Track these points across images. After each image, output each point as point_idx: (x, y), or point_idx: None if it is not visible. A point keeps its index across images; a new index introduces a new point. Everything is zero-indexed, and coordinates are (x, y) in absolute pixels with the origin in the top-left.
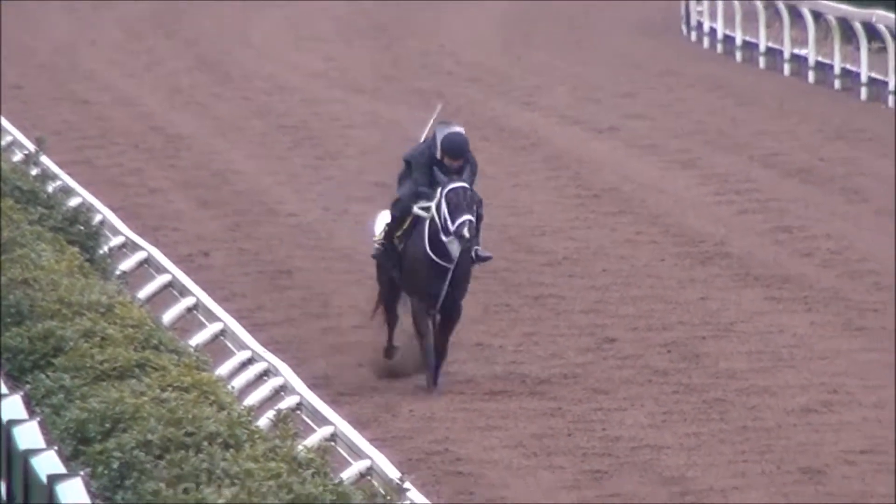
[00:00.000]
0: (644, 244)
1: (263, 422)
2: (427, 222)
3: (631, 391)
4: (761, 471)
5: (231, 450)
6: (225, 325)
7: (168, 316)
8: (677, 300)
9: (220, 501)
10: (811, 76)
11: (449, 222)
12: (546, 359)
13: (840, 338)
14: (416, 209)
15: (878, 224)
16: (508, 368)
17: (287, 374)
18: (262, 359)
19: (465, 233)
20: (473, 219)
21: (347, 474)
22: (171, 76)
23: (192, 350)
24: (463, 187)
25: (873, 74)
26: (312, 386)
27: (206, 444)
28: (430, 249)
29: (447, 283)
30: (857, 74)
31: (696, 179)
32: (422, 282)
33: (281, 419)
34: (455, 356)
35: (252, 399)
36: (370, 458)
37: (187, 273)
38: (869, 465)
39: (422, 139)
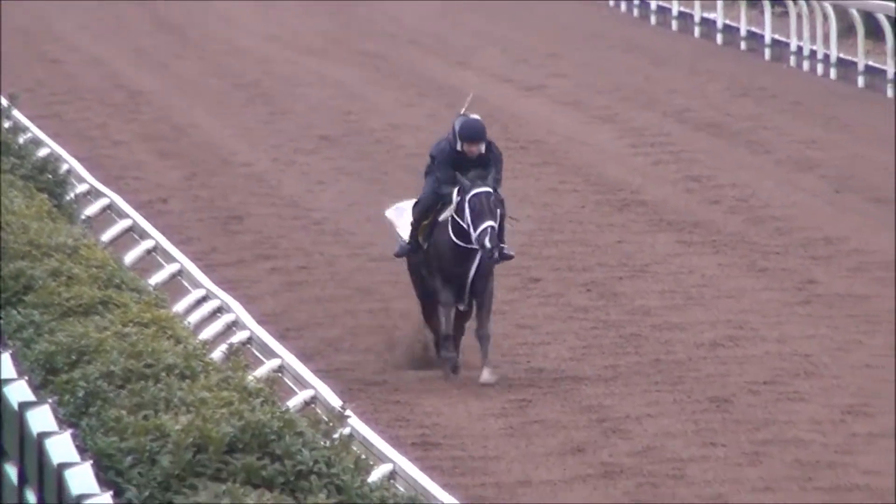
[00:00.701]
0: (567, 192)
1: (217, 354)
2: (449, 218)
3: (553, 327)
4: (673, 400)
5: (187, 380)
6: (181, 265)
7: (129, 257)
8: (597, 243)
9: (177, 427)
10: (719, 38)
11: (472, 229)
12: None
13: (745, 278)
14: (442, 217)
15: (779, 174)
16: None
17: (238, 311)
18: (216, 297)
19: (487, 242)
20: (495, 225)
21: (293, 403)
22: (135, 38)
23: (151, 289)
24: (486, 192)
25: (776, 36)
26: (261, 322)
27: (164, 374)
28: (455, 234)
29: (474, 266)
30: (762, 37)
31: (614, 133)
32: (448, 267)
33: (233, 352)
34: (393, 293)
35: (206, 334)
36: (314, 388)
37: (147, 218)
38: (771, 394)
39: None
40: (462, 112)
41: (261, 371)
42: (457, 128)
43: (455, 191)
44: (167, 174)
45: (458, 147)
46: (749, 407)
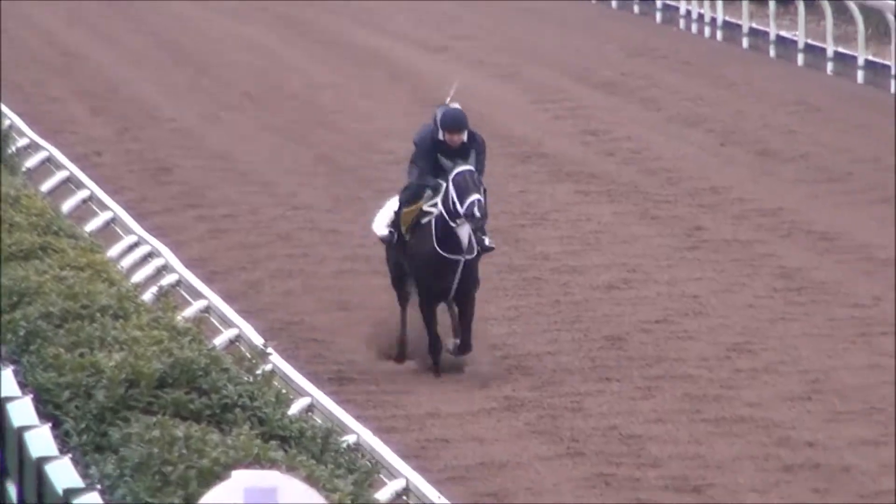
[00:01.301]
0: None
1: (148, 296)
2: (434, 218)
3: None
4: (571, 338)
5: (120, 320)
6: (114, 214)
7: (66, 206)
8: (500, 193)
9: (111, 364)
10: (614, 3)
11: (458, 205)
12: None
13: (638, 225)
14: (425, 207)
15: (669, 129)
16: (355, 252)
17: (167, 255)
18: (147, 243)
19: (476, 211)
20: (482, 198)
21: (219, 341)
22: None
23: (86, 235)
24: (469, 170)
25: (667, 1)
26: (189, 266)
27: (98, 315)
28: (439, 245)
29: (458, 276)
30: (654, 1)
31: (516, 90)
32: (432, 278)
33: (162, 294)
34: (311, 240)
35: (138, 277)
36: (238, 327)
37: (82, 170)
38: (662, 332)
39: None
40: (447, 102)
41: (189, 311)
42: (438, 117)
43: (440, 189)
44: (100, 129)
45: (440, 136)
46: (641, 344)
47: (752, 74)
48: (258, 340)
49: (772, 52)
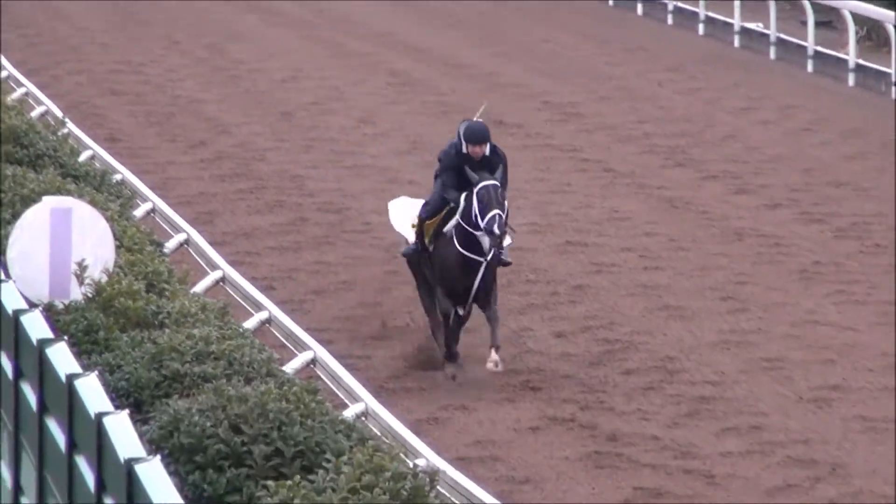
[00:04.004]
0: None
1: None
2: (454, 227)
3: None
4: (256, 112)
5: None
6: None
7: None
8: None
9: None
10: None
11: (479, 219)
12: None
13: (294, 41)
14: (445, 229)
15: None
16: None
17: None
18: None
19: (495, 228)
20: (503, 214)
21: (35, 113)
22: None
23: None
24: (494, 185)
25: None
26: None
27: None
28: (461, 245)
29: (479, 277)
30: None
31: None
32: (454, 278)
33: None
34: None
35: None
36: (45, 103)
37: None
38: (317, 109)
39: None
40: (476, 118)
41: (15, 95)
42: (461, 131)
43: (462, 196)
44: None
45: (464, 149)
46: (303, 118)
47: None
48: (58, 113)
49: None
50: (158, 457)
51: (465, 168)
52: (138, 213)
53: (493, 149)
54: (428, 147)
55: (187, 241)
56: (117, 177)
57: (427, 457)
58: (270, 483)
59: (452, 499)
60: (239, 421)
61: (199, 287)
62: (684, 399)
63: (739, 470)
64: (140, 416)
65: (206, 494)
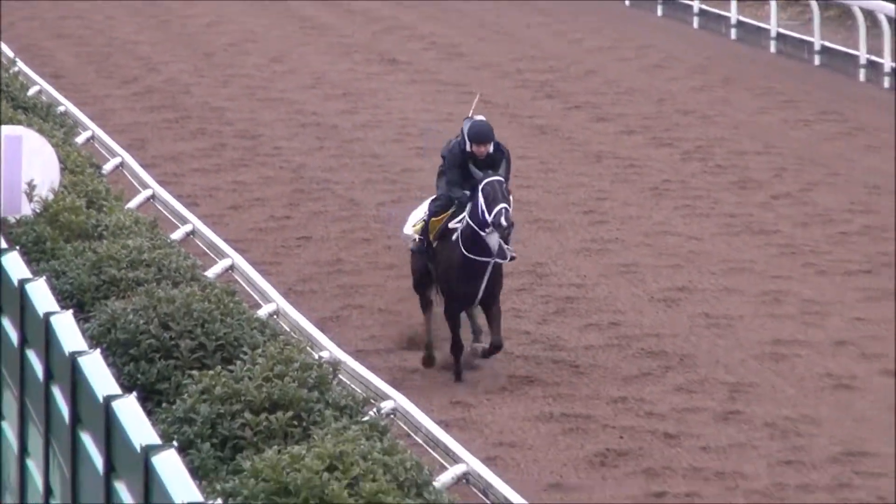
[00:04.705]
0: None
1: None
2: (461, 228)
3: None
4: (175, 53)
5: None
6: None
7: None
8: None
9: None
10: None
11: (486, 214)
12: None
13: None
14: (451, 224)
15: None
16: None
17: None
18: None
19: (503, 220)
20: (510, 207)
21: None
22: None
23: None
24: (498, 180)
25: None
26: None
27: None
28: (466, 248)
29: (485, 279)
30: None
31: None
32: (459, 281)
33: None
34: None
35: None
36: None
37: None
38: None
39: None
40: (469, 114)
41: None
42: (465, 130)
43: (468, 193)
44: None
45: (468, 148)
46: (223, 57)
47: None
48: (11, 55)
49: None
50: (98, 350)
51: (469, 165)
52: (80, 139)
53: (497, 146)
54: (331, 82)
55: (122, 164)
56: (61, 108)
57: (330, 350)
58: (195, 372)
59: (353, 385)
60: (167, 319)
61: (133, 203)
62: (552, 299)
63: (600, 360)
64: (83, 315)
65: (139, 382)
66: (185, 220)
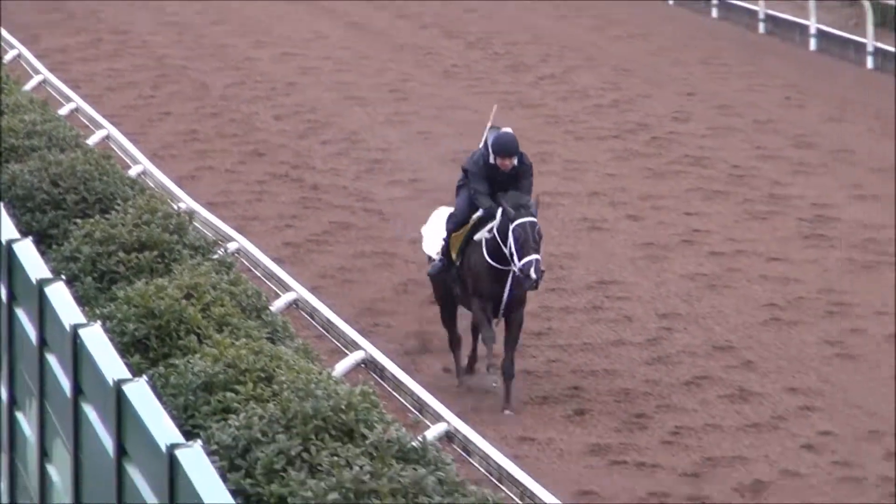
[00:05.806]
0: None
1: None
2: (485, 239)
3: None
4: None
5: None
6: None
7: None
8: None
9: None
10: None
11: (516, 258)
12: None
13: None
14: (476, 236)
15: None
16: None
17: None
18: None
19: (532, 273)
20: (540, 259)
21: None
22: None
23: None
24: (531, 223)
25: None
26: None
27: None
28: (489, 256)
29: (508, 286)
30: None
31: None
32: (484, 287)
33: None
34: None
35: None
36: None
37: None
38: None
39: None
40: (489, 125)
41: None
42: (490, 141)
43: (499, 211)
44: None
45: (492, 160)
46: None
47: None
48: None
49: None
50: (1, 203)
51: (502, 202)
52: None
53: (521, 157)
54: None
55: (19, 55)
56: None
57: (186, 202)
58: (79, 220)
59: (205, 230)
60: (57, 178)
61: (28, 86)
62: (363, 160)
63: (402, 210)
64: None
65: (34, 230)
66: (69, 100)
